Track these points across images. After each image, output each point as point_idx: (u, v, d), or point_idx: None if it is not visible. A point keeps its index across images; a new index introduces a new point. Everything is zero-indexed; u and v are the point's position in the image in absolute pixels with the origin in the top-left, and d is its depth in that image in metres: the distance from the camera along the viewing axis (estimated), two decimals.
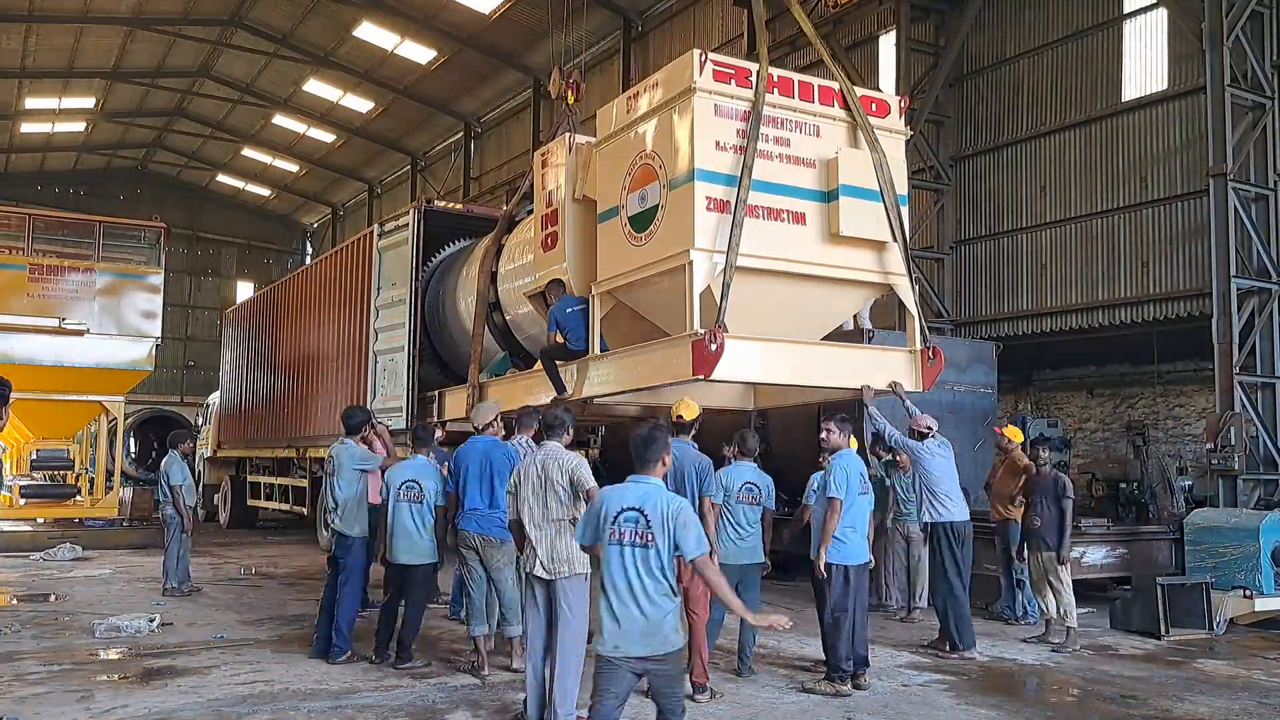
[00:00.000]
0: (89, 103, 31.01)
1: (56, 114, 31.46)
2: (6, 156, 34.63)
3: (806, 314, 8.14)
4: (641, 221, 7.87)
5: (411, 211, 12.07)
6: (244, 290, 37.79)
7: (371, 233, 13.02)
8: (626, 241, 8.04)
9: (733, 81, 7.59)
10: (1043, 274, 14.77)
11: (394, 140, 31.72)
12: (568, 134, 9.35)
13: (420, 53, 25.87)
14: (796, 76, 8.13)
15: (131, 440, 25.56)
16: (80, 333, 16.54)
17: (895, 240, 8.03)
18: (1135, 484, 14.30)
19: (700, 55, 7.51)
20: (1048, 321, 14.65)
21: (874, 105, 8.32)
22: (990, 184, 15.70)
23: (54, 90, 29.44)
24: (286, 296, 17.07)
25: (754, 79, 7.68)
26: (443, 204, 12.25)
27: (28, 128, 32.37)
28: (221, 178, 38.79)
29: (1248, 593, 9.41)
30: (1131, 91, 13.91)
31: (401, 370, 11.74)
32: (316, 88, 29.27)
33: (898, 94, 15.98)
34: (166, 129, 34.71)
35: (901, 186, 8.14)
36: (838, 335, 9.01)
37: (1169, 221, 13.30)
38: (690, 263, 7.26)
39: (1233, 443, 11.19)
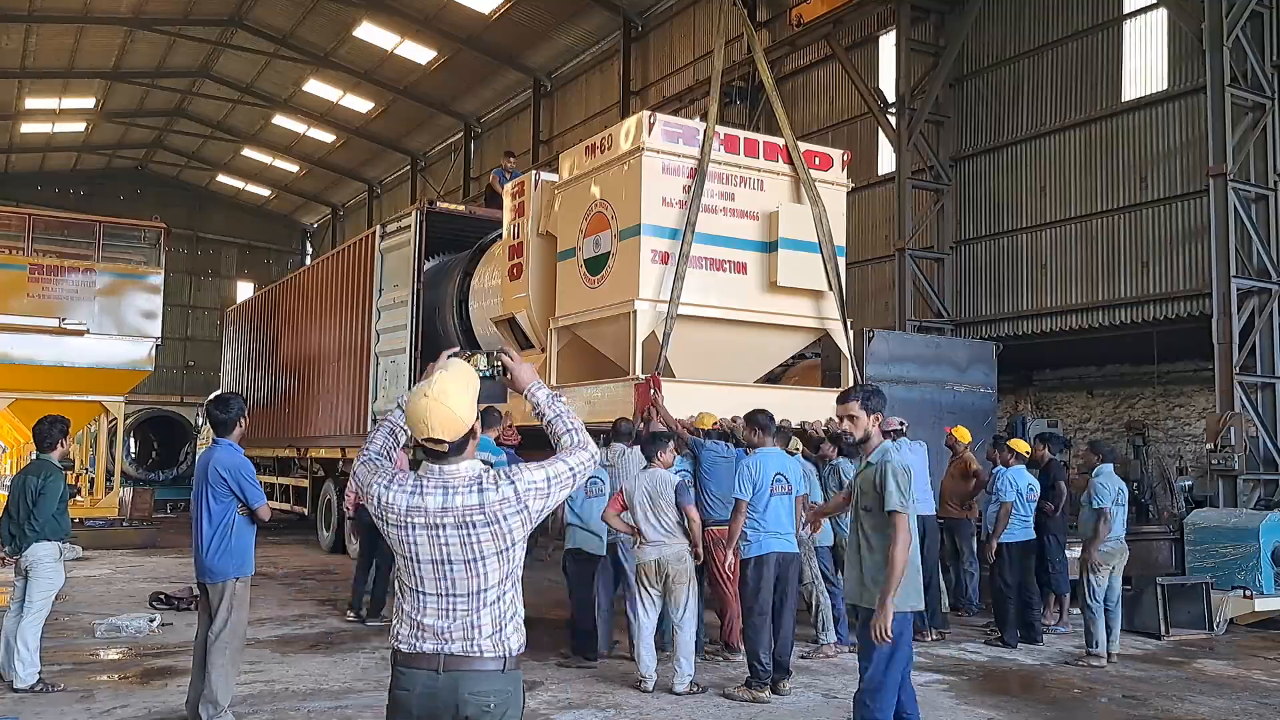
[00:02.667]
0: (89, 103, 31.01)
1: (56, 114, 31.45)
2: (6, 156, 34.63)
3: (748, 355, 8.75)
4: (595, 265, 8.47)
5: (413, 213, 12.08)
6: (244, 290, 37.77)
7: (373, 234, 13.02)
8: (582, 283, 8.63)
9: (680, 140, 8.16)
10: (1043, 274, 14.77)
11: (394, 140, 31.73)
12: (532, 171, 9.97)
13: (420, 53, 25.87)
14: (743, 134, 8.79)
15: (131, 440, 25.56)
16: (80, 333, 16.53)
17: (830, 290, 8.55)
18: (1135, 484, 14.28)
19: (650, 116, 8.11)
20: (1048, 321, 14.64)
21: (817, 159, 8.92)
22: (990, 184, 15.69)
23: (54, 90, 29.43)
24: (288, 296, 17.06)
25: (700, 139, 8.23)
26: (445, 205, 12.27)
27: (28, 128, 32.36)
28: (221, 178, 38.79)
29: (1248, 593, 9.40)
30: (1131, 91, 13.91)
31: (403, 371, 11.75)
32: (316, 88, 29.27)
33: (896, 90, 16.09)
34: (166, 129, 34.70)
35: (840, 237, 8.76)
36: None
37: (1169, 221, 13.29)
38: (634, 312, 7.86)
39: (1233, 443, 11.19)
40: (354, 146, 32.91)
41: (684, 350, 8.15)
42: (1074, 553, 8.92)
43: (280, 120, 32.20)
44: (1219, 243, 11.77)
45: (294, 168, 36.25)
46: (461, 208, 11.98)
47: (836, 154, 9.17)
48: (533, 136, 26.19)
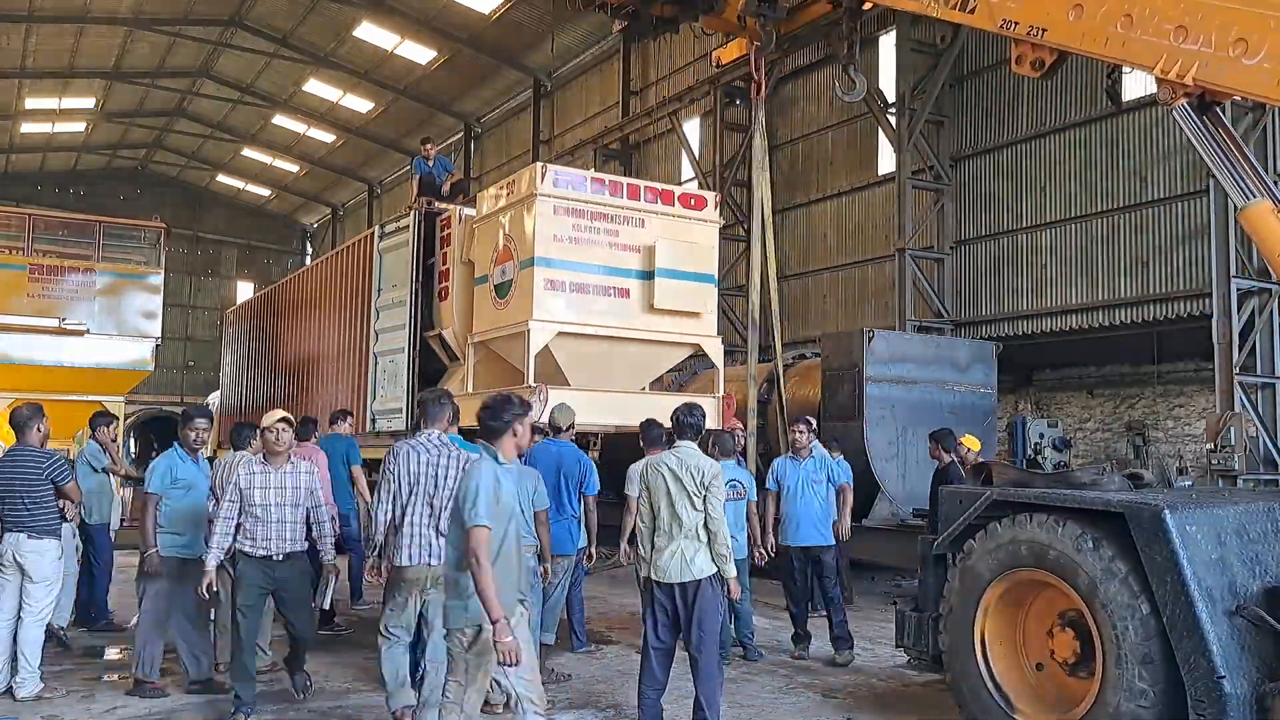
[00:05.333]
0: (89, 103, 31.02)
1: (56, 114, 31.46)
2: (6, 156, 34.64)
3: (633, 366, 10.24)
4: (503, 290, 10.01)
5: (412, 213, 12.14)
6: (244, 290, 37.79)
7: (372, 234, 13.06)
8: (493, 304, 10.18)
9: (570, 186, 9.70)
10: (1043, 274, 14.77)
11: (394, 140, 31.72)
12: (458, 209, 11.53)
13: (420, 53, 25.88)
14: (625, 180, 10.39)
15: (131, 440, 25.56)
16: (80, 333, 16.52)
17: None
18: None
19: (542, 167, 9.64)
20: (1048, 321, 14.64)
21: (692, 200, 10.45)
22: (990, 184, 15.69)
23: (54, 90, 29.45)
24: (287, 297, 17.06)
25: (593, 182, 9.95)
26: (443, 205, 12.30)
27: (28, 128, 32.37)
28: (221, 178, 38.80)
29: None
30: (1132, 91, 13.91)
31: (401, 371, 11.78)
32: (316, 88, 29.28)
33: (896, 90, 16.10)
34: (166, 129, 34.71)
35: (711, 266, 10.38)
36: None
37: (1169, 221, 13.29)
38: (529, 330, 9.31)
39: (1233, 443, 11.19)
40: (354, 146, 32.92)
41: (577, 363, 9.64)
42: None
43: (280, 120, 32.20)
44: (1219, 243, 11.76)
45: (294, 168, 36.25)
46: (463, 198, 12.09)
47: (710, 195, 10.79)
48: (533, 136, 26.19)
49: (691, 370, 13.57)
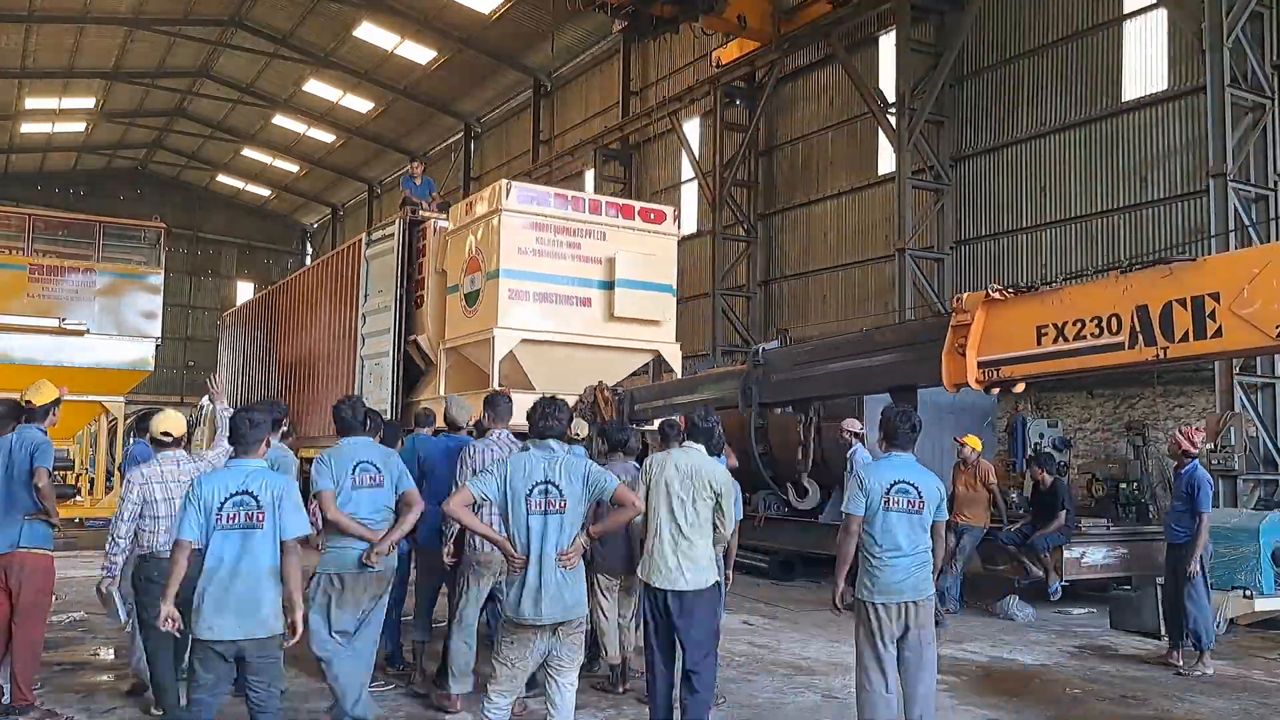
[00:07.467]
0: (89, 103, 31.03)
1: (56, 114, 31.47)
2: (6, 156, 34.65)
3: (595, 371, 10.40)
4: (471, 299, 10.60)
5: (397, 221, 12.36)
6: (244, 290, 37.81)
7: (360, 241, 13.31)
8: (462, 312, 10.77)
9: (533, 201, 10.42)
10: (1043, 274, 14.75)
11: (394, 140, 31.74)
12: (434, 219, 12.11)
13: (420, 53, 25.89)
14: (587, 196, 11.35)
15: (131, 440, 25.51)
16: (80, 333, 16.50)
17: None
18: (1135, 484, 14.27)
19: (506, 184, 10.28)
20: None
21: (651, 214, 11.14)
22: (990, 184, 15.69)
23: (54, 90, 29.46)
24: (280, 301, 17.17)
25: (555, 197, 10.70)
26: (427, 214, 12.57)
27: (28, 128, 32.38)
28: (221, 178, 38.81)
29: (1248, 593, 9.38)
30: (1132, 91, 13.90)
31: (387, 374, 12.01)
32: (316, 88, 29.28)
33: (896, 90, 16.11)
34: (166, 129, 34.72)
35: (670, 277, 11.07)
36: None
37: (1169, 221, 13.28)
38: (494, 337, 9.95)
39: (1232, 443, 11.18)
40: (354, 146, 32.92)
41: (541, 368, 10.16)
42: None
43: (280, 120, 32.21)
44: (1219, 243, 11.75)
45: (294, 168, 36.26)
46: (445, 216, 12.29)
47: (669, 209, 11.41)
48: (533, 136, 26.19)
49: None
